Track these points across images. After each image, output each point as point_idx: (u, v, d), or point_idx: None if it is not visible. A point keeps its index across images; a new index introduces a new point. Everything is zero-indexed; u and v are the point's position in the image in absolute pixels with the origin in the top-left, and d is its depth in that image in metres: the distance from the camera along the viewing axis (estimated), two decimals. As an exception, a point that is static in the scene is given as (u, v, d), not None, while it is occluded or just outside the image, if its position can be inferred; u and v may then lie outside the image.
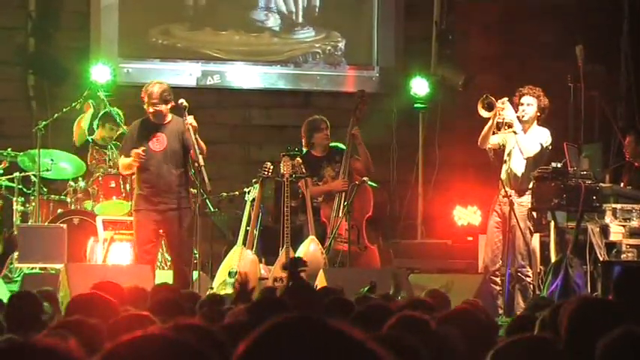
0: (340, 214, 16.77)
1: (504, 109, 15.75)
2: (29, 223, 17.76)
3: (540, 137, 15.88)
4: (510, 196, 15.66)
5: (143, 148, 15.70)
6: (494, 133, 15.70)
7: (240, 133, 19.11)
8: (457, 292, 13.62)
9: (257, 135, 19.19)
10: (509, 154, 15.81)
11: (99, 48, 20.46)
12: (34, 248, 16.70)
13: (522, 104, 16.04)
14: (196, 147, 15.77)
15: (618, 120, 18.23)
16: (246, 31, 20.59)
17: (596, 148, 17.17)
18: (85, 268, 16.03)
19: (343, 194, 17.27)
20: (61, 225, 17.08)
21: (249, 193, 17.03)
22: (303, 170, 16.59)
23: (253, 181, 16.96)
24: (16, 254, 16.73)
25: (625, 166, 17.00)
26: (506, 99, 15.88)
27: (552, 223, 16.19)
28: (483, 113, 16.02)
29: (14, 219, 17.58)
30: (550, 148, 16.23)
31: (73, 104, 18.38)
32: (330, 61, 20.79)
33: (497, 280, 15.75)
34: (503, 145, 15.82)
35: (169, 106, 15.99)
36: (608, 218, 15.75)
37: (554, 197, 16.04)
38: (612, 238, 15.77)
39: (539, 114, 15.99)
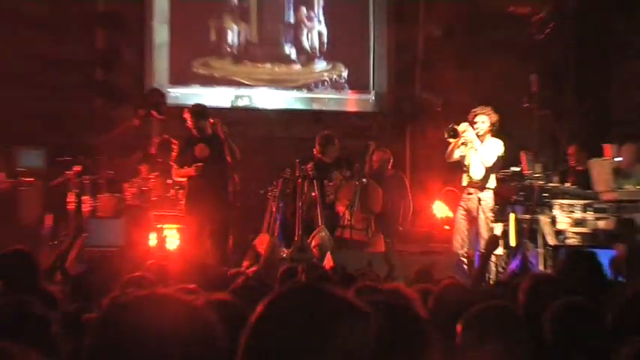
0: (355, 208, 17.07)
1: (466, 131, 16.13)
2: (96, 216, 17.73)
3: (495, 149, 16.23)
4: (472, 193, 16.19)
5: (200, 163, 16.19)
6: (457, 148, 16.15)
7: (264, 144, 19.05)
8: (437, 270, 14.26)
9: (278, 145, 19.07)
10: (469, 164, 16.22)
11: (152, 76, 20.74)
12: (101, 235, 16.80)
13: (476, 122, 16.34)
14: (229, 150, 16.44)
15: (564, 134, 18.60)
16: (271, 63, 20.94)
17: (548, 156, 17.51)
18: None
19: (358, 192, 17.29)
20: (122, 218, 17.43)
21: (271, 192, 17.51)
22: (314, 174, 17.17)
23: (275, 182, 17.33)
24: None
25: (570, 170, 17.38)
26: (466, 124, 16.21)
27: (512, 215, 16.75)
28: (450, 140, 16.28)
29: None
30: (503, 155, 16.51)
31: (132, 122, 18.59)
32: (336, 86, 21.09)
33: (465, 260, 16.14)
34: (464, 157, 16.22)
35: (207, 121, 16.47)
36: (556, 211, 16.15)
37: (513, 195, 16.76)
38: (559, 226, 16.10)
39: (490, 128, 16.37)
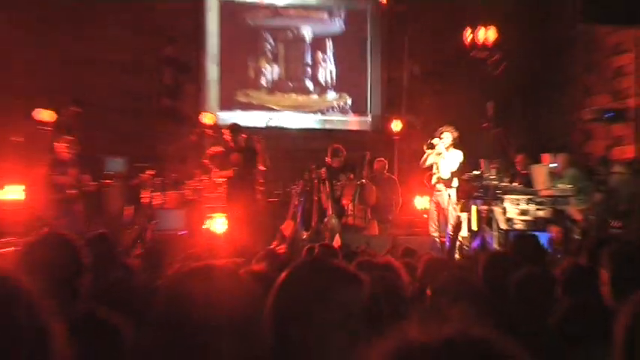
0: (356, 202, 17.51)
1: (438, 144, 16.51)
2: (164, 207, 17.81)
3: (457, 157, 16.62)
4: (440, 190, 16.60)
5: (235, 168, 16.76)
6: (430, 156, 16.52)
7: (289, 154, 19.03)
8: (418, 248, 14.41)
9: (299, 155, 18.98)
10: (437, 168, 16.53)
11: (206, 104, 20.99)
12: (167, 222, 16.95)
13: (442, 138, 16.62)
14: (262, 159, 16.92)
15: (512, 146, 18.65)
16: (295, 94, 21.14)
17: (501, 162, 17.49)
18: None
19: (358, 190, 17.64)
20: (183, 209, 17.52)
21: (295, 189, 17.66)
22: (326, 176, 17.59)
23: (297, 182, 17.69)
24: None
25: (517, 173, 17.55)
26: (438, 139, 16.62)
27: (474, 207, 17.00)
28: (427, 151, 16.58)
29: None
30: (463, 161, 16.85)
31: (190, 137, 18.62)
32: (342, 111, 21.13)
33: (438, 240, 16.46)
34: (434, 164, 16.55)
35: (241, 136, 17.05)
36: (506, 203, 16.17)
37: (475, 191, 17.16)
38: (509, 215, 16.14)
39: (453, 141, 16.67)
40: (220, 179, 17.19)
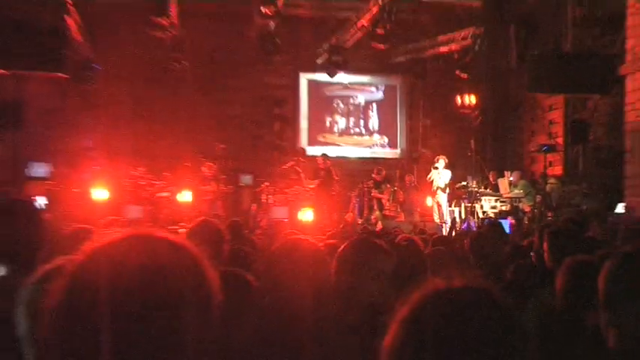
0: (391, 201, 17.42)
1: (439, 167, 16.75)
2: (275, 204, 18.35)
3: (448, 175, 16.75)
4: (438, 194, 16.86)
5: (318, 180, 16.99)
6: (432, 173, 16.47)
7: (351, 172, 18.73)
8: (428, 229, 14.27)
9: (357, 173, 18.77)
10: (437, 181, 16.72)
11: (299, 142, 20.36)
12: (277, 213, 16.72)
13: (440, 162, 16.86)
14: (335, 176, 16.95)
15: (487, 166, 18.38)
16: (355, 136, 20.74)
17: (479, 177, 17.27)
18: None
19: (392, 194, 17.60)
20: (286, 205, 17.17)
21: (354, 194, 17.78)
22: (373, 186, 17.69)
23: (355, 190, 17.86)
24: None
25: (489, 183, 17.33)
26: (437, 163, 16.91)
27: (462, 204, 16.88)
28: (433, 169, 16.90)
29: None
30: (452, 177, 16.89)
31: (290, 163, 18.02)
32: (382, 146, 20.78)
33: (439, 224, 16.48)
34: (435, 178, 16.74)
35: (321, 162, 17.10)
36: (483, 202, 16.21)
37: (463, 195, 17.03)
38: (484, 209, 16.13)
39: (445, 164, 16.77)
40: (310, 186, 17.09)
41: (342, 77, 19.25)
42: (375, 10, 16.78)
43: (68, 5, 15.01)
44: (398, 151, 20.97)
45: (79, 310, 1.18)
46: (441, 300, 1.29)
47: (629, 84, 13.28)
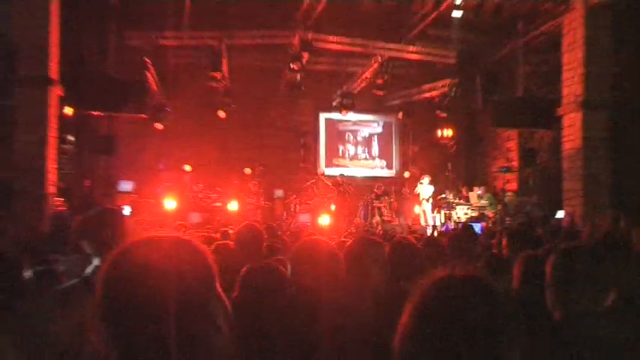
0: (388, 209, 17.30)
1: (424, 183, 16.53)
2: (300, 212, 17.70)
3: (431, 189, 16.48)
4: (422, 204, 16.61)
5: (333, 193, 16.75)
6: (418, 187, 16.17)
7: (358, 188, 18.17)
8: (418, 230, 14.22)
9: (362, 189, 18.25)
10: (422, 194, 16.49)
11: (319, 166, 20.08)
12: (302, 219, 16.91)
13: (423, 177, 16.75)
14: (348, 191, 16.70)
15: (461, 183, 18.21)
16: (362, 160, 20.29)
17: (455, 191, 17.30)
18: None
19: (389, 203, 17.53)
20: (309, 213, 17.29)
21: (360, 204, 17.74)
22: (374, 198, 17.55)
23: (361, 202, 17.74)
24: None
25: (462, 196, 16.99)
26: (422, 180, 16.67)
27: (443, 211, 16.68)
28: (420, 184, 16.70)
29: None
30: (434, 191, 16.70)
31: (312, 180, 18.28)
32: (381, 167, 20.39)
33: (425, 226, 16.12)
34: (421, 192, 16.49)
35: (337, 180, 16.92)
36: (458, 210, 16.17)
37: (443, 204, 16.91)
38: (459, 215, 16.08)
39: (430, 181, 16.56)
40: (329, 195, 17.00)
41: (351, 116, 19.08)
42: (375, 65, 16.93)
43: (147, 63, 15.36)
44: (393, 171, 20.63)
45: (119, 282, 1.18)
46: (446, 286, 1.29)
47: (565, 122, 13.56)
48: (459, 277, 1.31)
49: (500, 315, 1.25)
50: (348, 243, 3.13)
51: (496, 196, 17.03)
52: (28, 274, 2.50)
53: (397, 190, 18.62)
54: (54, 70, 11.62)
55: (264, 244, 4.26)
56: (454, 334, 1.20)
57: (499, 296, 1.29)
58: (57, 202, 12.12)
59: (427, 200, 16.78)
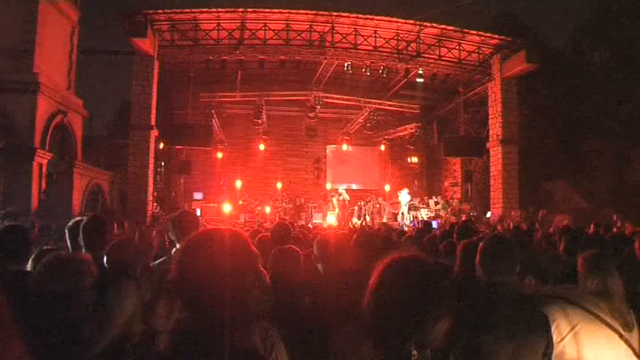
0: (374, 213, 16.33)
1: (401, 193, 15.68)
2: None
3: (408, 198, 15.48)
4: (401, 207, 15.55)
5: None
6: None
7: (353, 198, 17.11)
8: (396, 227, 13.98)
9: (356, 198, 17.21)
10: (400, 200, 15.60)
11: (325, 180, 19.24)
12: (315, 219, 16.12)
13: (403, 189, 15.92)
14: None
15: (424, 193, 17.86)
16: (348, 184, 19.08)
17: (420, 199, 16.78)
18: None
19: (375, 209, 15.99)
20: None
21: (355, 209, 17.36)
22: (364, 205, 17.03)
23: (355, 206, 17.19)
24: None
25: (425, 202, 16.38)
26: (401, 191, 15.89)
27: (412, 212, 15.77)
28: (398, 193, 15.96)
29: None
30: (410, 199, 15.72)
31: (324, 192, 17.58)
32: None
33: (401, 223, 15.21)
34: (401, 199, 15.60)
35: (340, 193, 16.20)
36: (422, 211, 15.51)
37: (413, 208, 16.54)
38: (423, 216, 15.27)
39: (407, 192, 15.72)
40: (335, 203, 16.50)
41: (348, 148, 18.91)
42: (365, 114, 17.05)
43: (212, 114, 15.64)
44: (376, 185, 20.09)
45: (193, 258, 1.12)
46: (396, 264, 1.24)
47: (492, 153, 14.50)
48: (406, 256, 1.26)
49: (437, 285, 1.20)
50: (355, 235, 2.88)
51: (447, 203, 16.48)
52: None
53: (384, 198, 17.93)
54: (153, 119, 12.86)
55: (292, 234, 4.08)
56: (401, 297, 1.17)
57: (432, 269, 1.24)
58: (154, 206, 13.23)
59: (405, 205, 16.46)
